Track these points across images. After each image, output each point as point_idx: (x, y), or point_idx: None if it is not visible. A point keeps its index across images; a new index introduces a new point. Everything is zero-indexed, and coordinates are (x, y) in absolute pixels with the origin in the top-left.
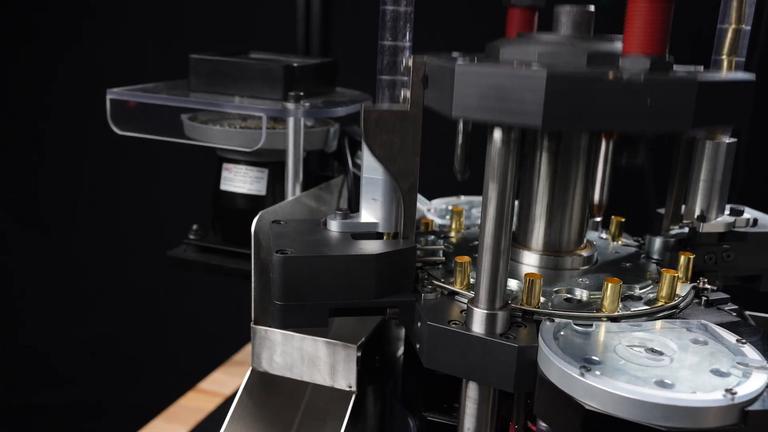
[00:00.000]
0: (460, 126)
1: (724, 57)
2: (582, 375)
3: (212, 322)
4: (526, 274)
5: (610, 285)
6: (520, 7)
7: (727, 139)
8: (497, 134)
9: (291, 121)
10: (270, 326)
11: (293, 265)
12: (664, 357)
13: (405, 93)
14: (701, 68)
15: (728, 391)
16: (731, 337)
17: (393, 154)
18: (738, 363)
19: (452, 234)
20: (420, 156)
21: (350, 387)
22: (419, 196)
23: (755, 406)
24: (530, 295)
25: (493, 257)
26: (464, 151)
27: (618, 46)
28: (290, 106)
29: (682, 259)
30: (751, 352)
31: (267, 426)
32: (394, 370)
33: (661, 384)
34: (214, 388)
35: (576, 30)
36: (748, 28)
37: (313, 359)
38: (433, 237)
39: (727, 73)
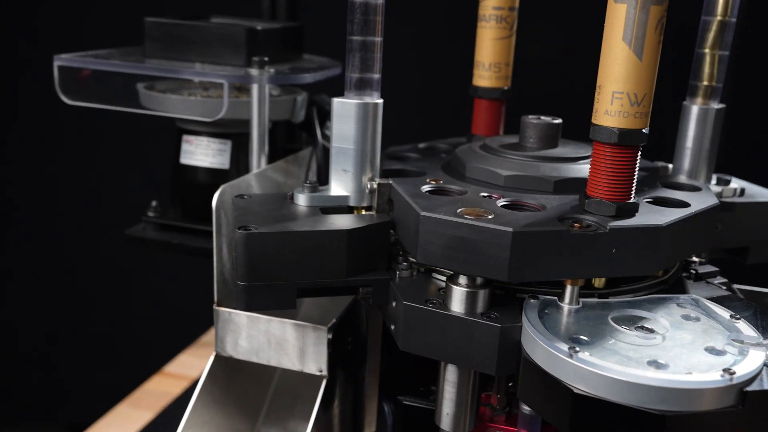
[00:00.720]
0: None
1: (707, 51)
2: (570, 356)
3: (177, 302)
4: None
5: None
6: (488, 99)
7: (716, 105)
8: (462, 280)
9: (255, 88)
10: (234, 308)
11: (257, 243)
12: (656, 335)
13: (371, 183)
14: (669, 167)
15: (726, 371)
16: (724, 313)
17: None
18: (733, 340)
19: None
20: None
21: (321, 371)
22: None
23: (753, 387)
24: None
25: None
26: None
27: (584, 167)
28: (254, 72)
29: None
30: (745, 328)
31: (233, 412)
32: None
33: (655, 364)
34: (181, 371)
35: (542, 142)
36: (734, 20)
37: (281, 343)
38: None
39: (692, 194)
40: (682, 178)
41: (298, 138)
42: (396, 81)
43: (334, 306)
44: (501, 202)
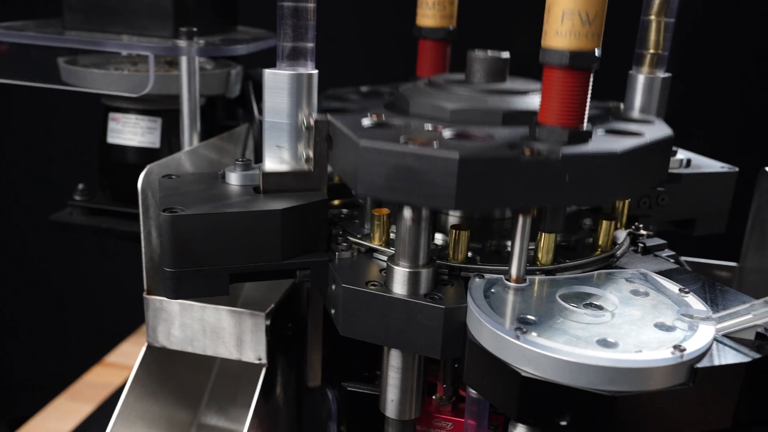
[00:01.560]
0: None
1: (652, 17)
2: (517, 338)
3: (115, 289)
4: (452, 226)
5: (544, 235)
6: (433, 40)
7: (662, 74)
8: (407, 213)
9: (183, 61)
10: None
11: (185, 225)
12: (605, 312)
13: (307, 152)
14: (620, 105)
15: (677, 347)
16: (673, 287)
17: None
18: (682, 315)
19: None
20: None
21: (260, 359)
22: None
23: (704, 363)
24: (457, 250)
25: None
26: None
27: (534, 100)
28: (182, 43)
29: (618, 203)
30: (695, 302)
31: (172, 402)
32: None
33: (604, 343)
34: (122, 360)
35: (490, 77)
36: (672, 20)
37: (217, 330)
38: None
39: (645, 126)
40: (638, 115)
41: (237, 114)
42: (338, 31)
43: (277, 289)
44: (447, 133)
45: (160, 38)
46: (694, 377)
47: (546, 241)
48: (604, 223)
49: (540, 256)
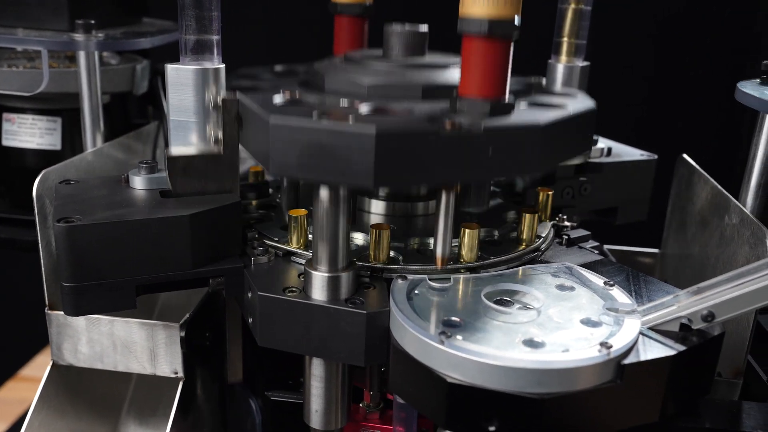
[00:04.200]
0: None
1: (569, 5)
2: (441, 342)
3: (24, 300)
4: (372, 226)
5: (467, 231)
6: (349, 15)
7: (581, 63)
8: (324, 193)
9: (81, 56)
10: None
11: (82, 236)
12: (531, 310)
13: (216, 132)
14: (542, 80)
15: (603, 345)
16: (598, 280)
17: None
18: (608, 309)
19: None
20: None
21: (176, 373)
22: None
23: (631, 359)
24: (378, 250)
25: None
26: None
27: (455, 73)
28: (78, 37)
29: (541, 195)
30: (620, 296)
31: (86, 418)
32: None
33: (531, 344)
34: (38, 374)
35: (408, 52)
36: (589, 8)
37: (128, 345)
38: (263, 188)
39: (567, 98)
40: (560, 89)
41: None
42: (246, 21)
43: (201, 292)
44: (364, 108)
45: (54, 32)
46: (622, 374)
47: (469, 238)
48: (527, 216)
49: (463, 253)
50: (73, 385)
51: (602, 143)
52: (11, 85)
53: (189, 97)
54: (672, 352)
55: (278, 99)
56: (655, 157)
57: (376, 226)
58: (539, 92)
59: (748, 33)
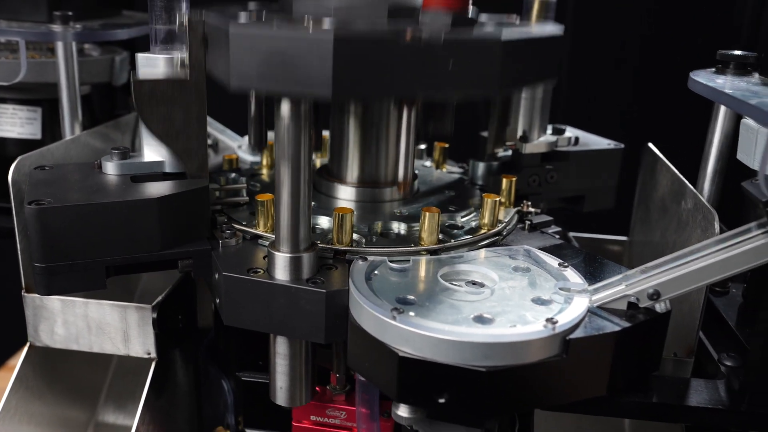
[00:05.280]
0: (252, 95)
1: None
2: (394, 318)
3: (9, 285)
4: (336, 209)
5: (427, 215)
6: None
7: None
8: (285, 107)
9: (59, 46)
10: None
11: (53, 218)
12: (485, 289)
13: (182, 57)
14: (515, 18)
15: (549, 320)
16: (553, 262)
17: (175, 130)
18: (560, 289)
19: (263, 171)
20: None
21: (149, 354)
22: (228, 131)
23: (576, 334)
24: (341, 233)
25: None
26: (258, 123)
27: None
28: (56, 28)
29: (504, 182)
30: (572, 276)
31: (64, 402)
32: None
33: (480, 320)
34: None
35: None
36: None
37: (102, 326)
38: (234, 175)
39: (535, 26)
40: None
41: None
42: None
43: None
44: (327, 25)
45: (33, 23)
46: (567, 348)
47: (429, 221)
48: (488, 201)
49: (424, 236)
50: (50, 369)
51: (570, 132)
52: None
53: None
54: (617, 329)
55: (243, 18)
56: (622, 146)
57: (340, 209)
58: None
59: (729, 26)
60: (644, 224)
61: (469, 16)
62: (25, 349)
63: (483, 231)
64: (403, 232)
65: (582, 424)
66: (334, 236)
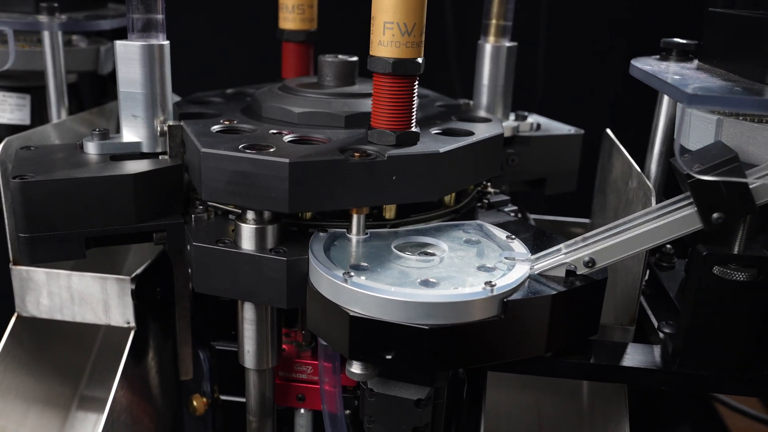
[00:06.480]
0: None
1: (492, 21)
2: (345, 281)
3: None
4: None
5: None
6: (295, 42)
7: (508, 43)
8: (250, 215)
9: (46, 36)
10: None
11: (35, 191)
12: (434, 258)
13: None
14: (470, 103)
15: (488, 283)
16: (502, 234)
17: None
18: (505, 258)
19: None
20: None
21: (128, 323)
22: None
23: (515, 297)
24: None
25: None
26: None
27: None
28: (43, 19)
29: None
30: (518, 247)
31: (49, 375)
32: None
33: (426, 284)
34: None
35: (340, 81)
36: None
37: (84, 297)
38: None
39: (482, 124)
40: (480, 113)
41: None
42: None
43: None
44: (288, 138)
45: (20, 13)
46: (505, 310)
47: None
48: None
49: (385, 210)
50: (36, 343)
51: (531, 119)
52: None
53: (136, 70)
54: (553, 292)
55: (217, 128)
56: (582, 132)
57: None
58: (461, 117)
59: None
60: (601, 206)
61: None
62: (13, 319)
63: (442, 209)
64: None
65: (541, 399)
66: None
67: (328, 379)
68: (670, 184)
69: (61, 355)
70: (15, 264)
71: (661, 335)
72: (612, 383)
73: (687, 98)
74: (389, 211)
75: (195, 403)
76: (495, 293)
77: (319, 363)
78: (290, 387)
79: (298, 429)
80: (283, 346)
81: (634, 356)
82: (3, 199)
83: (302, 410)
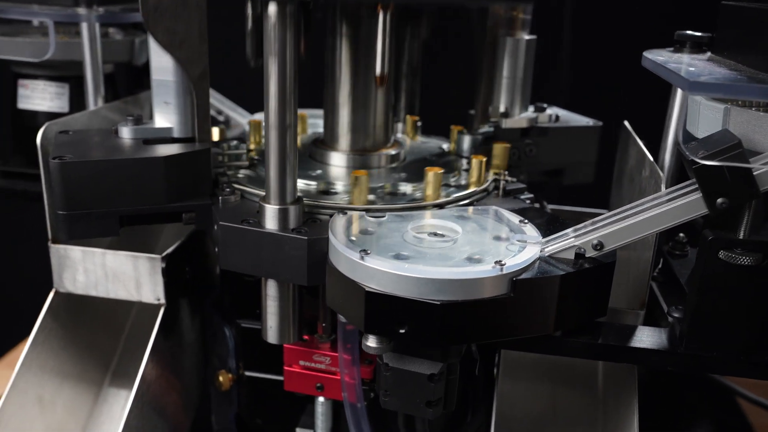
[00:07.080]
0: (249, 10)
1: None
2: (362, 258)
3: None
4: (353, 172)
5: (431, 173)
6: None
7: (527, 36)
8: (272, 8)
9: (84, 27)
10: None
11: (73, 171)
12: (448, 239)
13: None
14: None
15: (497, 262)
16: (515, 219)
17: (178, 40)
18: (517, 240)
19: None
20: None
21: (158, 300)
22: (239, 109)
23: (524, 276)
24: (359, 193)
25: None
26: (254, 36)
27: None
28: (81, 10)
29: (497, 148)
30: (530, 230)
31: (81, 356)
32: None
33: (443, 258)
34: None
35: None
36: None
37: (117, 274)
38: (236, 142)
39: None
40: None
41: None
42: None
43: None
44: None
45: (60, 6)
46: (515, 288)
47: (434, 179)
48: (475, 161)
49: (429, 193)
50: (72, 322)
51: (551, 110)
52: (23, 53)
53: (168, 59)
54: (561, 273)
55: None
56: (600, 124)
57: (357, 172)
58: None
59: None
60: (619, 197)
61: None
62: (51, 294)
63: (471, 188)
64: (409, 191)
65: (556, 389)
66: (353, 197)
67: (347, 371)
68: (684, 174)
69: (94, 334)
70: (54, 242)
71: (670, 319)
72: (624, 372)
73: (689, 85)
74: (434, 192)
75: (221, 378)
76: (504, 272)
77: (339, 354)
78: (310, 376)
79: (318, 416)
80: (305, 336)
81: (641, 338)
82: (43, 180)
83: (321, 399)
